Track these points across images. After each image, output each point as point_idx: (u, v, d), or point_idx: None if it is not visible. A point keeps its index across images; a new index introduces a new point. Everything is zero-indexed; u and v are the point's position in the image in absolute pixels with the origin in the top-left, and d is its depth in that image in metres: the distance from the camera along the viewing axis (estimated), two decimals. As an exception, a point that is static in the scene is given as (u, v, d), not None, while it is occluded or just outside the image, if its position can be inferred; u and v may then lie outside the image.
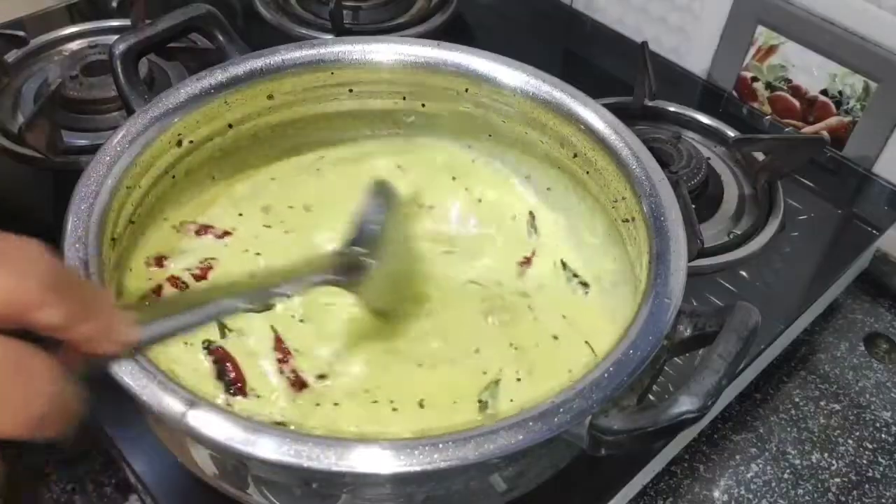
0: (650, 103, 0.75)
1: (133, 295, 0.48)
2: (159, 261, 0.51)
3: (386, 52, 0.56)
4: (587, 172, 0.54)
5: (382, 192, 0.49)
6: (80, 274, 0.32)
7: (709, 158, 0.70)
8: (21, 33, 0.79)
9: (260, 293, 0.42)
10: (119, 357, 0.33)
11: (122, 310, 0.32)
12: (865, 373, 0.65)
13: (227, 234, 0.54)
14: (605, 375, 0.38)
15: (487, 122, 0.57)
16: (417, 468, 0.35)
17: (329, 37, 0.80)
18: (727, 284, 0.62)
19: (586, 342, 0.49)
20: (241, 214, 0.55)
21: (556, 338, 0.50)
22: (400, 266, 0.52)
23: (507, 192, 0.59)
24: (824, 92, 0.74)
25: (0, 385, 0.25)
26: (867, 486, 0.58)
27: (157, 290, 0.49)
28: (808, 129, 0.77)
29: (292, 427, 0.44)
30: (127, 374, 0.37)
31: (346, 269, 0.45)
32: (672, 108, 0.76)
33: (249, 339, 0.48)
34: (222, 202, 0.56)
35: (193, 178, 0.54)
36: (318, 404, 0.46)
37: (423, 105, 0.58)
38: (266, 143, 0.57)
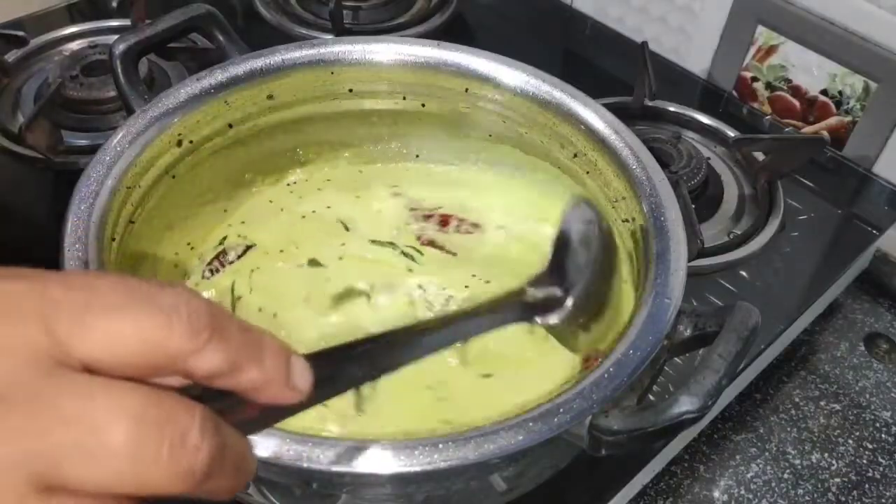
0: (650, 103, 0.75)
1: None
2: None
3: (386, 52, 0.56)
4: (587, 172, 0.53)
5: (584, 209, 0.42)
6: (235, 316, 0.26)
7: (709, 158, 0.70)
8: (21, 33, 0.79)
9: (439, 337, 0.34)
10: (299, 407, 0.27)
11: (295, 355, 0.27)
12: (865, 373, 0.65)
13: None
14: (605, 375, 0.38)
15: (487, 122, 0.57)
16: (417, 468, 0.35)
17: (329, 37, 0.80)
18: (727, 284, 0.62)
19: None
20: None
21: None
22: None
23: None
24: (824, 92, 0.74)
25: (141, 435, 0.22)
26: (867, 486, 0.58)
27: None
28: (808, 129, 0.77)
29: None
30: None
31: (540, 305, 0.39)
32: (672, 108, 0.76)
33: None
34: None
35: (194, 179, 0.54)
36: None
37: (423, 105, 0.58)
38: (266, 144, 0.57)
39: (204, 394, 0.25)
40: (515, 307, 0.38)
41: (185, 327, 0.23)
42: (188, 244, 0.54)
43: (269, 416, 0.27)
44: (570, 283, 0.39)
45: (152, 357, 0.23)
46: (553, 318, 0.39)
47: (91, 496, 0.22)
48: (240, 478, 0.25)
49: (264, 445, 0.35)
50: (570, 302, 0.39)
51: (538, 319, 0.39)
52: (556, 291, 0.39)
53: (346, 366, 0.30)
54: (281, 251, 0.55)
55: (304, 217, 0.57)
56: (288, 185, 0.59)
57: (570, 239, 0.41)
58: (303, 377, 0.27)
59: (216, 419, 0.24)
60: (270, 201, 0.58)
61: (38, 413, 0.22)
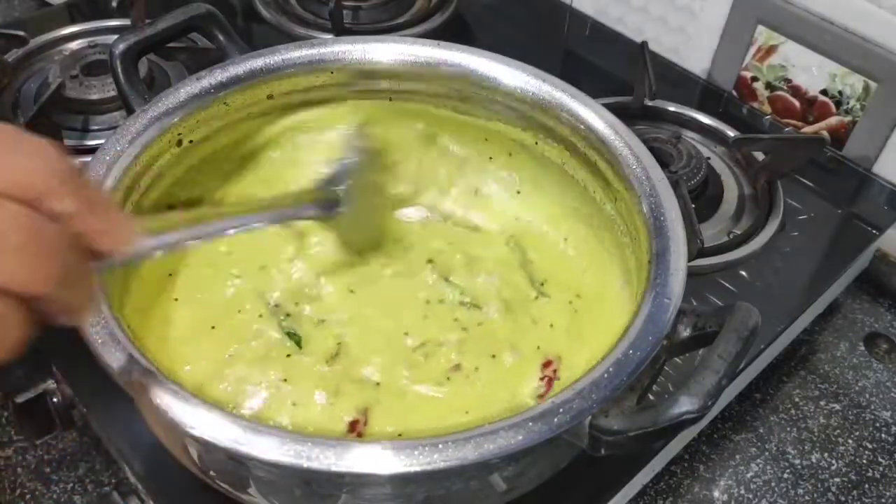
0: (650, 103, 0.75)
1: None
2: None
3: (386, 52, 0.56)
4: (587, 172, 0.54)
5: (360, 139, 0.54)
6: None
7: (709, 158, 0.70)
8: (21, 33, 0.79)
9: (249, 218, 0.44)
10: (127, 256, 0.34)
11: (125, 214, 0.35)
12: (865, 373, 0.65)
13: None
14: (605, 375, 0.38)
15: (486, 123, 0.57)
16: (417, 468, 0.35)
17: (329, 37, 0.80)
18: (727, 284, 0.62)
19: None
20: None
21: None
22: (371, 216, 0.56)
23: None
24: (824, 92, 0.74)
25: (27, 242, 0.27)
26: (867, 485, 0.58)
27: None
28: (808, 129, 0.77)
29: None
30: (129, 375, 0.37)
31: (323, 205, 0.49)
32: (672, 108, 0.76)
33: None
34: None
35: (193, 179, 0.54)
36: None
37: (423, 104, 0.58)
38: (264, 146, 0.57)
39: None
40: (307, 205, 0.49)
41: (50, 172, 0.29)
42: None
43: (107, 258, 0.33)
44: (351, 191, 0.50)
45: (22, 191, 0.28)
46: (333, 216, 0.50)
47: None
48: (85, 297, 0.31)
49: (265, 445, 0.35)
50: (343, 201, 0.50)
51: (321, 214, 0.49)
52: (335, 195, 0.50)
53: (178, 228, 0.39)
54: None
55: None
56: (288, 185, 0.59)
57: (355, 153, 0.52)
58: (130, 233, 0.34)
59: (78, 244, 0.30)
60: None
61: None
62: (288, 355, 0.49)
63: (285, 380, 0.48)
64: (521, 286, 0.54)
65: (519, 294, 0.54)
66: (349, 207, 0.50)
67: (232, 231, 0.43)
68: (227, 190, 0.57)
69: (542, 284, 0.54)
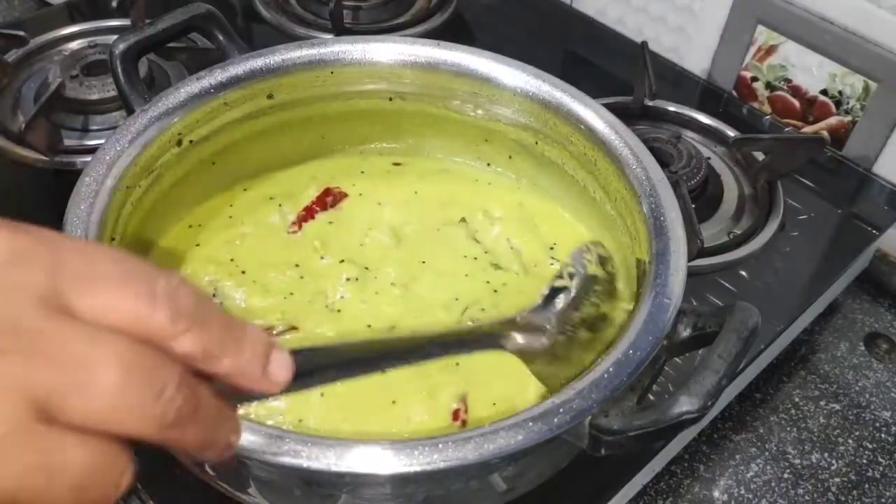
0: (650, 103, 0.75)
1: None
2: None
3: (386, 51, 0.56)
4: (587, 172, 0.54)
5: (588, 258, 0.46)
6: (222, 308, 0.31)
7: (709, 158, 0.70)
8: (21, 33, 0.79)
9: (424, 352, 0.39)
10: (270, 397, 0.31)
11: (277, 348, 0.31)
12: (865, 373, 0.65)
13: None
14: (605, 375, 0.38)
15: (487, 122, 0.57)
16: (417, 468, 0.35)
17: (329, 37, 0.80)
18: (727, 284, 0.62)
19: None
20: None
21: None
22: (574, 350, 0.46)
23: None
24: (824, 92, 0.74)
25: (129, 379, 0.25)
26: (867, 485, 0.58)
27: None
28: (807, 129, 0.77)
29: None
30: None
31: (527, 336, 0.43)
32: (672, 108, 0.76)
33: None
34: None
35: (193, 179, 0.54)
36: None
37: (423, 105, 0.58)
38: (264, 146, 0.57)
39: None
40: (500, 337, 0.42)
41: (168, 313, 0.27)
42: (196, 244, 0.54)
43: (250, 395, 0.31)
44: (557, 323, 0.43)
45: (137, 331, 0.26)
46: (532, 350, 0.43)
47: (78, 429, 0.25)
48: (212, 433, 0.29)
49: (265, 445, 0.35)
50: (549, 341, 0.43)
51: (519, 347, 0.43)
52: (543, 325, 0.43)
53: (328, 364, 0.34)
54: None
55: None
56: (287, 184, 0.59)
57: (571, 279, 0.45)
58: (281, 371, 0.31)
59: (194, 381, 0.28)
60: (271, 198, 0.58)
61: (44, 346, 0.25)
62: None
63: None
64: (535, 249, 0.54)
65: (533, 257, 0.54)
66: (554, 341, 0.43)
67: (399, 367, 0.37)
68: (229, 190, 0.57)
69: (552, 248, 0.54)
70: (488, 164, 0.60)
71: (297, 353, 0.31)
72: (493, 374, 0.45)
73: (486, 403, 0.45)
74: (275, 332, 0.47)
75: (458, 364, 0.45)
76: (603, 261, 0.47)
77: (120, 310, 0.26)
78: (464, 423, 0.44)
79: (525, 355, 0.42)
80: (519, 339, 0.42)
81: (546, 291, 0.44)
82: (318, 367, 0.33)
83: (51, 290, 0.25)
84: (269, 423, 0.41)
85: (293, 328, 0.48)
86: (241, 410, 0.32)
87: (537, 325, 0.42)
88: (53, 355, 0.24)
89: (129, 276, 0.27)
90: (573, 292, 0.44)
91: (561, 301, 0.44)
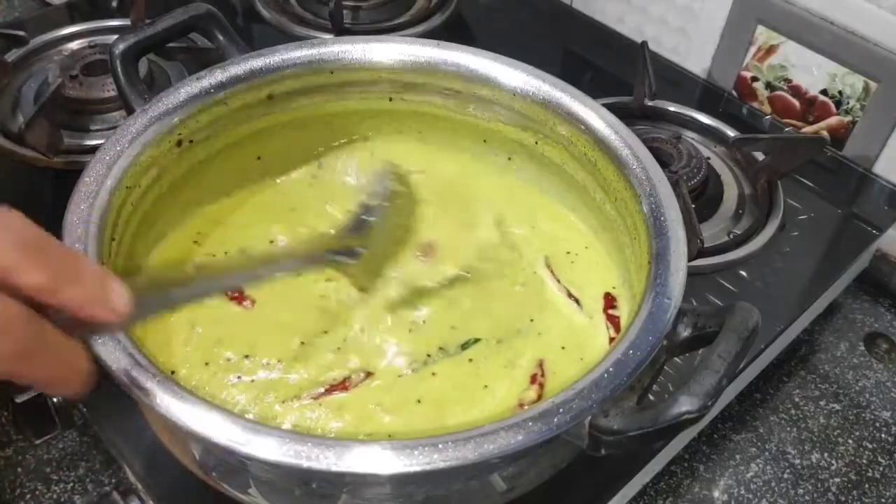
0: (650, 103, 0.75)
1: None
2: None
3: (386, 52, 0.56)
4: (587, 172, 0.54)
5: (385, 177, 0.51)
6: (62, 241, 0.32)
7: (709, 158, 0.70)
8: (21, 33, 0.79)
9: (253, 273, 0.43)
10: (114, 326, 0.32)
11: (113, 278, 0.32)
12: (865, 373, 0.65)
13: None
14: (605, 375, 0.38)
15: (486, 122, 0.57)
16: (417, 468, 0.35)
17: (329, 37, 0.80)
18: (727, 284, 0.62)
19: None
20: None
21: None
22: (389, 249, 0.53)
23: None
24: (824, 92, 0.74)
25: None
26: (867, 485, 0.58)
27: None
28: (808, 129, 0.77)
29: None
30: (130, 375, 0.37)
31: (341, 254, 0.47)
32: (672, 108, 0.76)
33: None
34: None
35: (193, 179, 0.54)
36: None
37: (423, 105, 0.58)
38: (264, 146, 0.57)
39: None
40: (322, 254, 0.47)
41: (11, 246, 0.27)
42: (195, 242, 0.54)
43: (93, 327, 0.32)
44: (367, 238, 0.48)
45: None
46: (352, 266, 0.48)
47: None
48: (61, 367, 0.30)
49: (265, 445, 0.35)
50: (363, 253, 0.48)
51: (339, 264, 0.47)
52: (356, 245, 0.48)
53: (173, 287, 0.36)
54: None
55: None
56: (287, 184, 0.59)
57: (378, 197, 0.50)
58: (121, 299, 0.32)
59: (37, 317, 0.28)
60: (272, 199, 0.58)
61: None
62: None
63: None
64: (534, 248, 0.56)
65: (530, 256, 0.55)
66: (370, 252, 0.48)
67: (240, 284, 0.41)
68: (228, 192, 0.57)
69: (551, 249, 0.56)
70: (488, 164, 0.60)
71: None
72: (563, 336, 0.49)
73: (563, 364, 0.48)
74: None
75: (539, 333, 0.49)
76: (401, 178, 0.52)
77: None
78: (541, 385, 0.47)
79: (346, 270, 0.48)
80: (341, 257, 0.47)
81: (359, 211, 0.49)
82: (162, 293, 0.36)
83: None
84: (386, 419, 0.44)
85: None
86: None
87: (356, 243, 0.47)
88: None
89: None
90: (382, 207, 0.49)
91: (372, 217, 0.49)
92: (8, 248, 0.27)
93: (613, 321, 0.51)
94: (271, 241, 0.54)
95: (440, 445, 0.35)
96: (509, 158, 0.59)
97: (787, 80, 0.76)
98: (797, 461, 0.59)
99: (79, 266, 0.30)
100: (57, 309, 0.29)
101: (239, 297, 0.49)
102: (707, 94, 0.82)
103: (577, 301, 0.52)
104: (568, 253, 0.55)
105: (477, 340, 0.49)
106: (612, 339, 0.50)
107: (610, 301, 0.52)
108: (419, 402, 0.46)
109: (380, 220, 0.49)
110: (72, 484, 0.55)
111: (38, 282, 0.28)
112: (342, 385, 0.46)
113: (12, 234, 0.27)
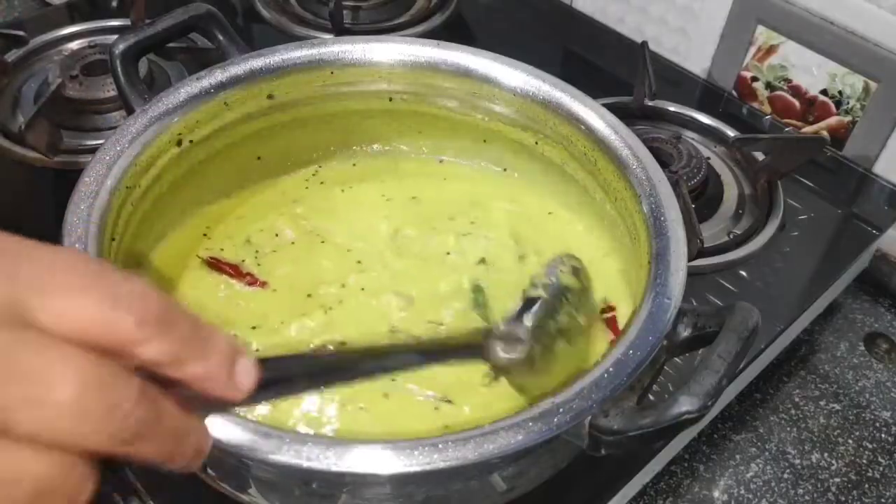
0: (650, 103, 0.75)
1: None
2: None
3: (386, 52, 0.56)
4: (587, 172, 0.54)
5: (563, 268, 0.46)
6: (191, 312, 0.29)
7: (709, 158, 0.70)
8: (21, 33, 0.79)
9: (396, 360, 0.38)
10: (238, 404, 0.30)
11: (242, 354, 0.30)
12: (865, 373, 0.65)
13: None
14: (605, 375, 0.38)
15: (486, 123, 0.57)
16: (417, 468, 0.35)
17: (329, 37, 0.80)
18: (727, 284, 0.62)
19: None
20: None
21: None
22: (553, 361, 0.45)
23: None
24: (824, 92, 0.74)
25: (84, 394, 0.25)
26: (867, 485, 0.58)
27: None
28: (808, 129, 0.77)
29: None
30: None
31: (502, 346, 0.42)
32: (672, 108, 0.76)
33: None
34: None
35: (193, 179, 0.54)
36: None
37: (423, 105, 0.58)
38: (264, 146, 0.57)
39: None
40: (477, 346, 0.41)
41: (133, 317, 0.26)
42: (204, 235, 0.54)
43: (214, 403, 0.30)
44: (533, 333, 0.42)
45: (100, 338, 0.26)
46: (509, 362, 0.42)
47: (34, 444, 0.24)
48: (174, 445, 0.28)
49: (265, 445, 0.35)
50: (526, 352, 0.42)
51: (496, 358, 0.41)
52: (519, 336, 0.42)
53: (298, 374, 0.33)
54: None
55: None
56: (287, 184, 0.59)
57: (545, 290, 0.44)
58: (247, 377, 0.30)
59: (155, 394, 0.27)
60: (272, 200, 0.58)
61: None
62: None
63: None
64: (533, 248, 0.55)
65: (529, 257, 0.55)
66: (531, 352, 0.42)
67: (368, 380, 0.36)
68: (228, 192, 0.57)
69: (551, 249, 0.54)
70: (488, 165, 0.60)
71: (264, 362, 0.31)
72: None
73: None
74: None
75: None
76: (576, 272, 0.47)
77: (81, 317, 0.25)
78: None
79: (503, 366, 0.42)
80: (498, 349, 0.41)
81: (521, 301, 0.43)
82: (285, 376, 0.33)
83: (8, 301, 0.25)
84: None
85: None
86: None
87: (514, 335, 0.42)
88: (8, 369, 0.24)
89: (91, 280, 0.26)
90: (547, 302, 0.44)
91: (536, 310, 0.43)
92: (131, 319, 0.26)
93: (612, 325, 0.51)
94: (276, 235, 0.54)
95: (440, 445, 0.35)
96: (510, 157, 0.58)
97: (787, 80, 0.76)
98: (797, 461, 0.59)
99: (207, 339, 0.29)
100: (178, 383, 0.28)
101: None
102: (707, 94, 0.82)
103: None
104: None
105: None
106: (612, 342, 0.50)
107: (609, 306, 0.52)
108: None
109: (541, 314, 0.43)
110: (72, 484, 0.55)
111: (162, 355, 0.27)
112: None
113: (137, 304, 0.26)
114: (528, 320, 0.42)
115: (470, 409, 0.46)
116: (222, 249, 0.54)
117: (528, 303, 0.43)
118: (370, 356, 0.37)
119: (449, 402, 0.46)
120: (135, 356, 0.26)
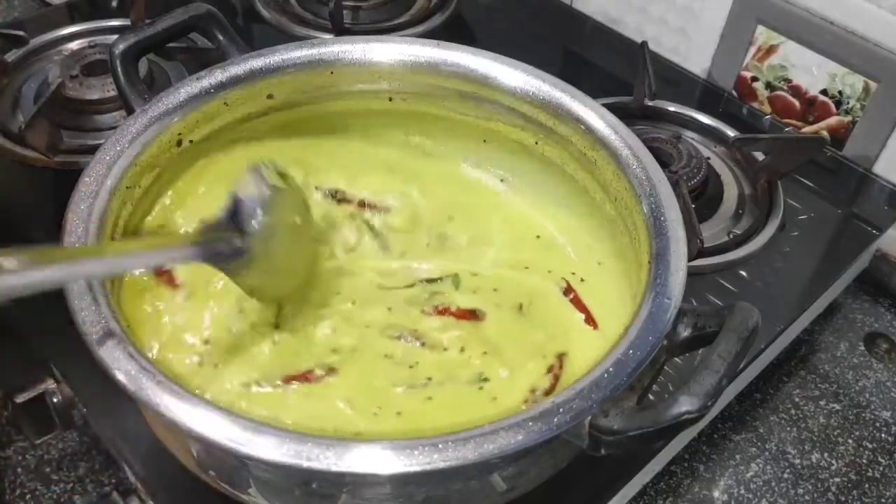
0: (650, 103, 0.75)
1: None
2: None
3: (386, 52, 0.56)
4: (587, 172, 0.54)
5: (264, 176, 0.46)
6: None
7: (709, 158, 0.70)
8: (21, 33, 0.79)
9: (126, 260, 0.41)
10: None
11: None
12: (865, 373, 0.65)
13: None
14: (605, 375, 0.38)
15: (486, 123, 0.57)
16: (417, 468, 0.35)
17: (329, 37, 0.80)
18: (727, 284, 0.62)
19: None
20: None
21: None
22: (290, 262, 0.49)
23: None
24: (824, 92, 0.74)
25: None
26: (867, 485, 0.58)
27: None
28: (807, 129, 0.77)
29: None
30: (127, 374, 0.37)
31: (220, 249, 0.43)
32: (672, 108, 0.76)
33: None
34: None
35: (193, 179, 0.54)
36: None
37: (423, 105, 0.58)
38: (266, 145, 0.57)
39: None
40: (202, 247, 0.42)
41: None
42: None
43: None
44: (252, 232, 0.43)
45: None
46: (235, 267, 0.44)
47: None
48: None
49: (265, 445, 0.35)
50: (247, 251, 0.43)
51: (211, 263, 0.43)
52: (234, 241, 0.43)
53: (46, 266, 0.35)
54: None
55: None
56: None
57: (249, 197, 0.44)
58: None
59: None
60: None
61: None
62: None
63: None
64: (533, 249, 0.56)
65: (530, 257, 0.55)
66: (257, 253, 0.44)
67: (104, 272, 0.39)
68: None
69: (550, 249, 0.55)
70: (488, 165, 0.60)
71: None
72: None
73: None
74: None
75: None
76: (282, 175, 0.47)
77: None
78: (556, 377, 0.46)
79: (222, 267, 0.43)
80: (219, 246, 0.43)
81: (230, 203, 0.43)
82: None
83: None
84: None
85: None
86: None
87: (230, 233, 0.43)
88: None
89: None
90: (260, 200, 0.44)
91: (251, 209, 0.43)
92: None
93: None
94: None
95: (440, 445, 0.35)
96: (510, 157, 0.59)
97: (787, 80, 0.76)
98: (797, 461, 0.59)
99: None
100: None
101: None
102: (707, 94, 0.82)
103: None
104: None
105: None
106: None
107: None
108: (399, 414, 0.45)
109: (263, 213, 0.44)
110: (72, 484, 0.55)
111: None
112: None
113: None
114: (243, 218, 0.43)
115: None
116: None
117: (237, 203, 0.43)
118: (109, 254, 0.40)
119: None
120: None
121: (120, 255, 0.41)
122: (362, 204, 0.57)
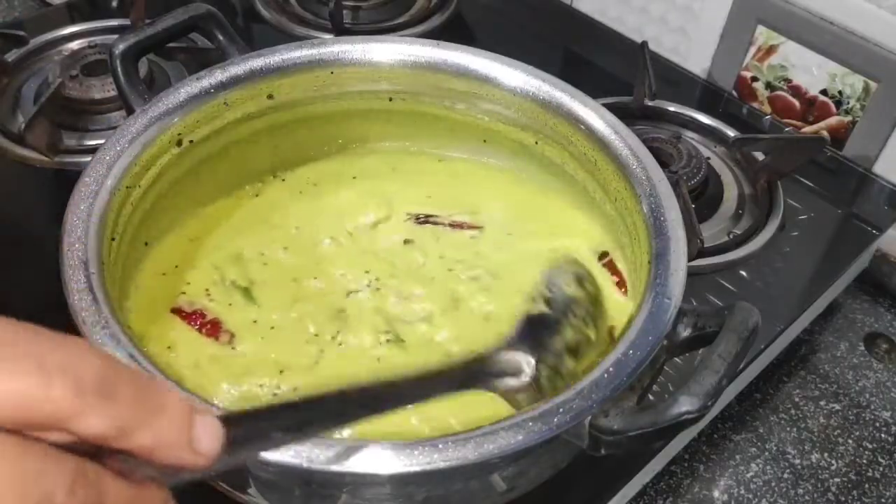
0: (650, 103, 0.75)
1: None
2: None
3: (386, 52, 0.56)
4: (587, 172, 0.54)
5: (570, 273, 0.41)
6: (139, 368, 0.26)
7: (709, 158, 0.70)
8: (21, 33, 0.79)
9: (384, 399, 0.33)
10: (206, 470, 0.27)
11: (201, 413, 0.26)
12: (865, 373, 0.65)
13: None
14: (605, 376, 0.38)
15: (486, 122, 0.57)
16: (417, 468, 0.35)
17: (329, 37, 0.80)
18: (727, 284, 0.62)
19: None
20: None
21: None
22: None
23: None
24: (824, 92, 0.74)
25: (2, 495, 0.21)
26: (867, 485, 0.58)
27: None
28: (808, 129, 0.77)
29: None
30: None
31: (500, 374, 0.38)
32: (672, 108, 0.76)
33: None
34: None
35: (193, 179, 0.54)
36: None
37: (423, 105, 0.58)
38: (264, 146, 0.57)
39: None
40: (476, 374, 0.37)
41: (66, 389, 0.22)
42: (190, 241, 0.54)
43: (177, 471, 0.26)
44: (539, 354, 0.39)
45: (27, 415, 0.22)
46: (514, 389, 0.38)
47: None
48: None
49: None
50: (532, 377, 0.38)
51: (499, 387, 0.38)
52: (522, 363, 0.38)
53: (273, 426, 0.29)
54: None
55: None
56: (287, 184, 0.59)
57: (548, 304, 0.40)
58: (209, 439, 0.26)
59: (96, 474, 0.23)
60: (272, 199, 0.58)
61: None
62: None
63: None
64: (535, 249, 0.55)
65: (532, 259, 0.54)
66: (537, 376, 0.38)
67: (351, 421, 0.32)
68: (228, 192, 0.57)
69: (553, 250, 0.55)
70: (488, 165, 0.60)
71: (231, 419, 0.27)
72: None
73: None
74: None
75: None
76: (580, 279, 0.42)
77: (3, 395, 0.22)
78: None
79: (509, 394, 0.38)
80: (500, 378, 0.37)
81: (521, 320, 0.39)
82: (261, 431, 0.28)
83: None
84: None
85: None
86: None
87: (515, 361, 0.38)
88: None
89: (14, 350, 0.23)
90: (550, 318, 0.39)
91: (540, 329, 0.39)
92: (66, 390, 0.22)
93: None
94: (262, 253, 0.53)
95: (440, 445, 0.35)
96: (510, 157, 0.58)
97: (787, 80, 0.76)
98: (797, 461, 0.59)
99: (156, 402, 0.25)
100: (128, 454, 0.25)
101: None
102: (707, 94, 0.82)
103: None
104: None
105: None
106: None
107: None
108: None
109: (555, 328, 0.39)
110: (72, 484, 0.55)
111: (104, 428, 0.23)
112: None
113: (71, 373, 0.22)
114: (533, 339, 0.38)
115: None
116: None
117: (529, 322, 0.39)
118: (354, 397, 0.32)
119: None
120: (73, 431, 0.23)
121: (380, 397, 0.33)
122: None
